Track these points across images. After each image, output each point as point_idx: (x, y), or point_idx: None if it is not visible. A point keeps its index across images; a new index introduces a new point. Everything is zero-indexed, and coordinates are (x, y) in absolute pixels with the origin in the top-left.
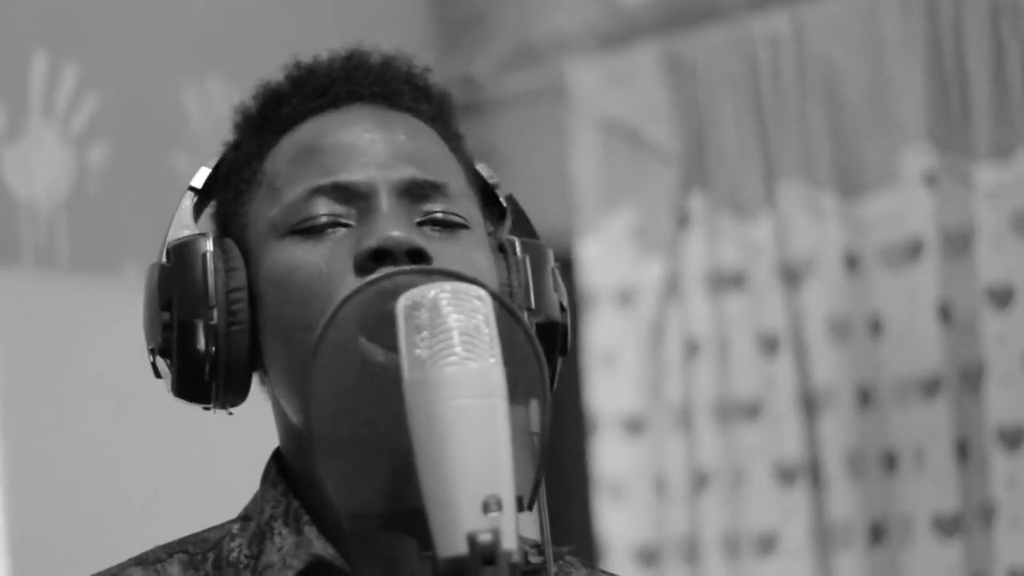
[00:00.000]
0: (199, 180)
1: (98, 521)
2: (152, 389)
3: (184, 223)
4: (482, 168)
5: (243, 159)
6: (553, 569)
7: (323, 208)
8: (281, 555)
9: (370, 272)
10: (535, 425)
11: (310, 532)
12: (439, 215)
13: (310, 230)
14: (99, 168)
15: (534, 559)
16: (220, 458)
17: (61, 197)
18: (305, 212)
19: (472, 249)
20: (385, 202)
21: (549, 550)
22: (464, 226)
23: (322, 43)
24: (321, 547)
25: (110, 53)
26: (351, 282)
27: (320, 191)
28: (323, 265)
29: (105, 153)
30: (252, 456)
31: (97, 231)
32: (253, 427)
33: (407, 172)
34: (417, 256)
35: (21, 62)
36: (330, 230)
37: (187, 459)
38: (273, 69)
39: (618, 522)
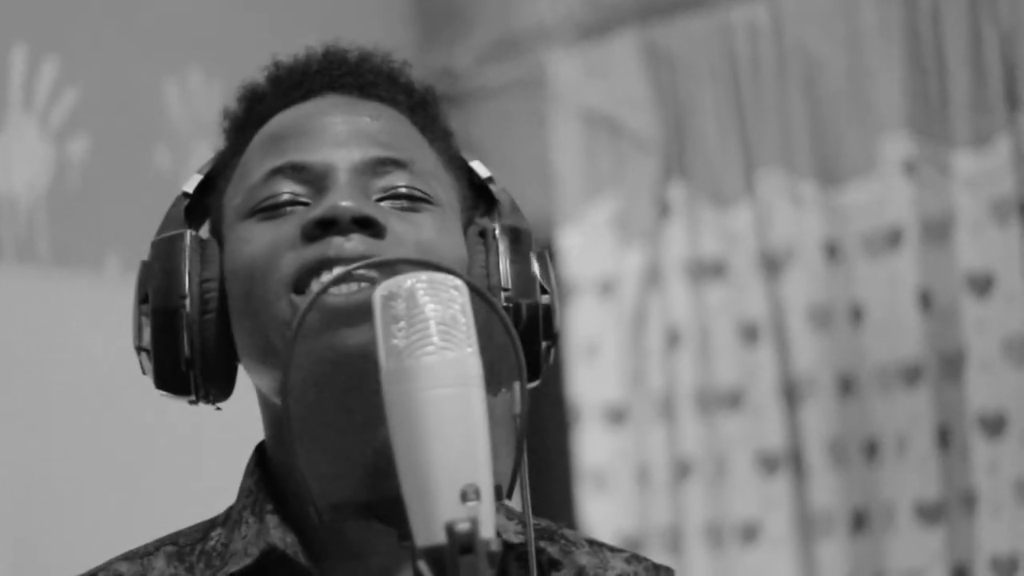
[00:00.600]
0: (191, 185)
1: (83, 518)
2: (136, 385)
3: (171, 224)
4: (476, 164)
5: (226, 158)
6: (552, 549)
7: (282, 187)
8: (244, 543)
9: (316, 239)
10: (516, 406)
11: (270, 520)
12: (402, 189)
13: (268, 209)
14: (79, 162)
15: (518, 538)
16: (207, 453)
17: (41, 191)
18: (264, 192)
19: (437, 224)
20: (342, 177)
21: (530, 530)
22: (428, 201)
23: (302, 35)
24: (278, 536)
25: (90, 47)
26: (296, 249)
27: (278, 171)
28: (270, 237)
29: (85, 147)
30: (241, 451)
31: (77, 225)
32: (241, 422)
33: (368, 151)
34: (366, 223)
35: (0, 56)
36: (288, 208)
37: (173, 455)
38: (253, 62)
39: (601, 512)
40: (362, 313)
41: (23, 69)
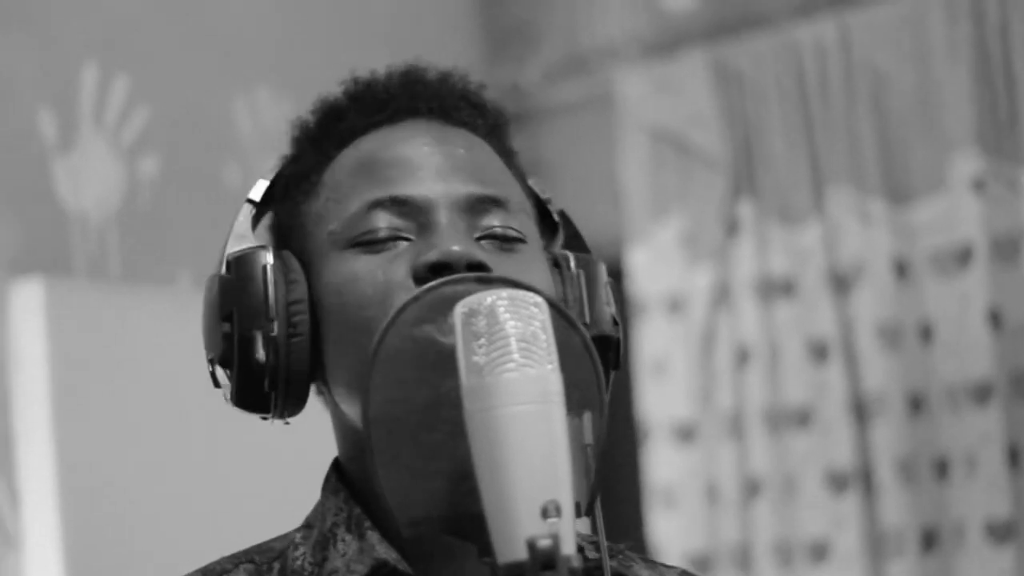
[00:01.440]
0: (257, 192)
1: (152, 531)
2: (205, 399)
3: (242, 234)
4: (534, 183)
5: (302, 172)
6: (611, 563)
7: (383, 222)
8: (345, 560)
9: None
10: (589, 436)
11: (372, 537)
12: (498, 230)
13: (370, 243)
14: (150, 179)
15: (592, 554)
16: (274, 467)
17: (112, 208)
18: (365, 225)
19: (530, 263)
20: (445, 217)
21: (605, 552)
22: (521, 240)
23: (370, 53)
24: (384, 551)
25: (160, 65)
26: (410, 290)
27: (380, 204)
28: (381, 275)
29: (155, 164)
30: (306, 465)
31: (148, 242)
32: (308, 436)
33: (467, 187)
34: (477, 270)
35: (72, 74)
36: (391, 243)
37: (241, 468)
38: (321, 79)
39: (670, 530)
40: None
41: (94, 88)
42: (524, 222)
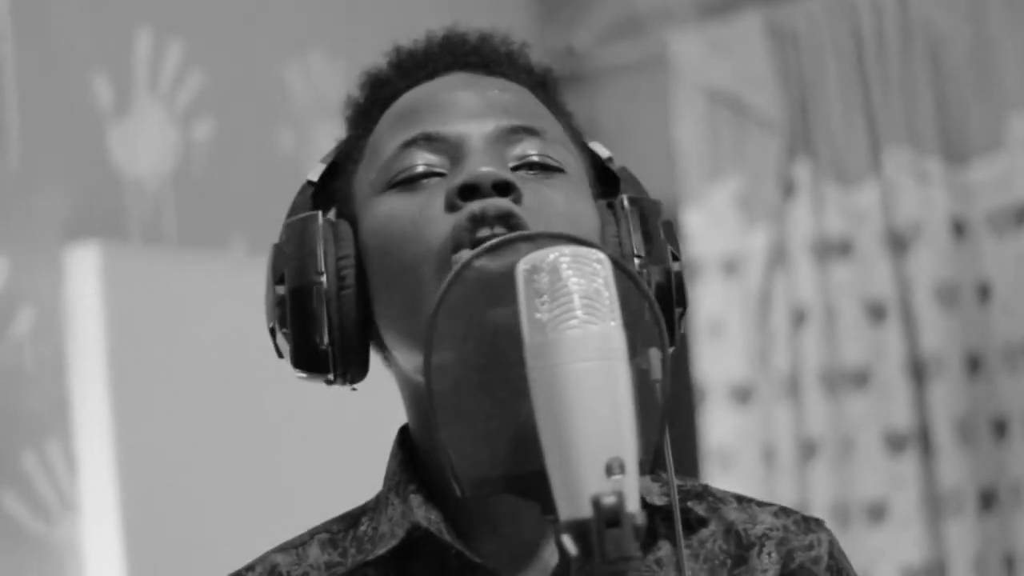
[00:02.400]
0: (315, 174)
1: (208, 495)
2: (260, 362)
3: (300, 209)
4: (595, 145)
5: (352, 144)
6: (700, 506)
7: (417, 159)
8: (391, 524)
9: (458, 207)
10: (657, 372)
11: (414, 500)
12: (534, 157)
13: (405, 181)
14: (204, 144)
15: (662, 500)
16: (333, 431)
17: (167, 173)
18: (399, 165)
19: (569, 191)
20: (477, 146)
21: (674, 490)
22: (560, 169)
23: (423, 16)
24: (422, 514)
25: (213, 30)
26: (442, 219)
27: (412, 143)
28: (416, 209)
29: (210, 129)
30: (367, 432)
31: (202, 206)
32: (369, 404)
33: (500, 121)
34: (505, 189)
35: (126, 40)
36: (425, 180)
37: (300, 432)
38: (374, 43)
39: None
40: (510, 289)
41: (148, 53)
42: (563, 154)
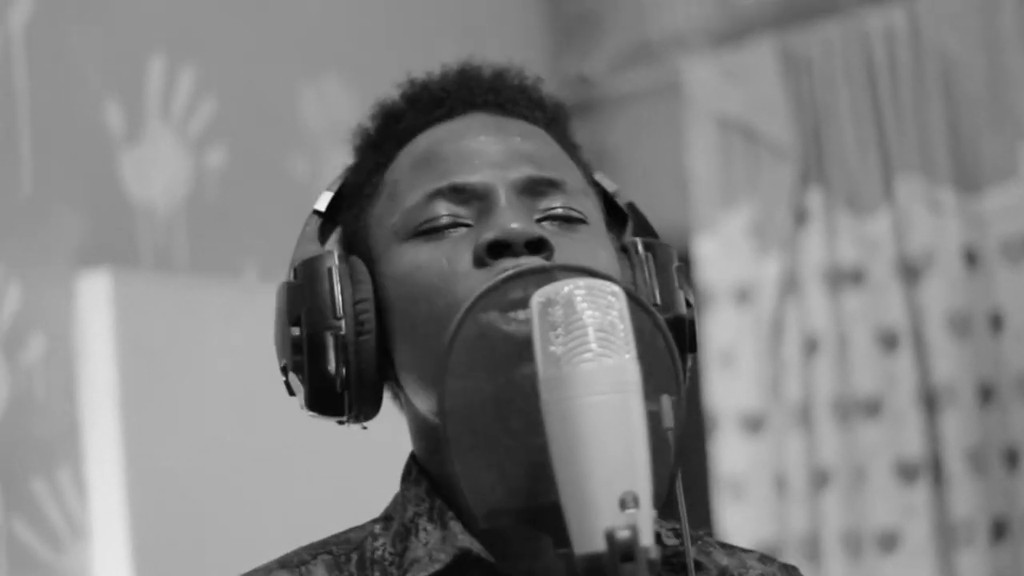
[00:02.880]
0: (322, 203)
1: (219, 522)
2: (271, 390)
3: (309, 242)
4: (601, 177)
5: (363, 177)
6: (692, 551)
7: (443, 210)
8: (427, 549)
9: (488, 265)
10: (669, 420)
11: (455, 526)
12: (558, 210)
13: (431, 231)
14: (216, 170)
15: (670, 541)
16: (341, 459)
17: (179, 200)
18: (425, 215)
19: (593, 243)
20: (503, 199)
21: (687, 535)
22: (583, 221)
23: (437, 43)
24: (468, 540)
25: (226, 56)
26: (472, 275)
27: (439, 193)
28: (444, 262)
29: (222, 156)
30: (374, 460)
31: (215, 233)
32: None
33: (524, 171)
34: (537, 246)
35: (138, 66)
36: (450, 230)
37: (308, 460)
38: (388, 69)
39: (739, 521)
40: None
41: (161, 80)
42: (585, 204)
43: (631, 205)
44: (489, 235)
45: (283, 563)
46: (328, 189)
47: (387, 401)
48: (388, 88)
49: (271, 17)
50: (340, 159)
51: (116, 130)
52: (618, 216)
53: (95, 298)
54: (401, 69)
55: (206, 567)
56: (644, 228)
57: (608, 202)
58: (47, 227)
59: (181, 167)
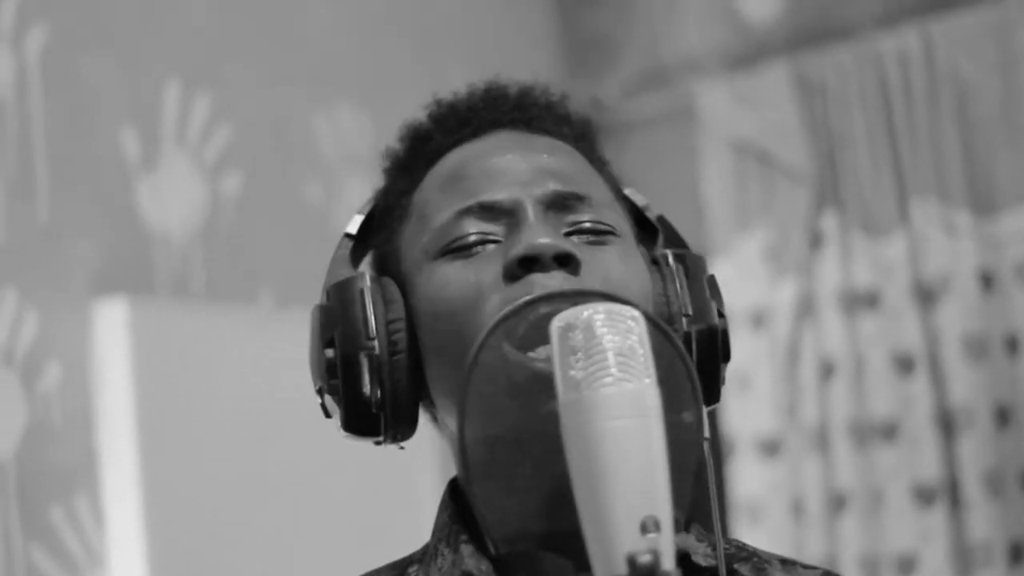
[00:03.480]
0: (354, 227)
1: (237, 551)
2: (287, 415)
3: (341, 266)
4: (631, 192)
5: (393, 199)
6: (745, 568)
7: (472, 227)
8: (440, 574)
9: (519, 279)
10: (694, 436)
11: (465, 550)
12: (587, 224)
13: (460, 249)
14: (232, 197)
15: (707, 561)
16: (357, 484)
17: (195, 227)
18: (454, 232)
19: (623, 255)
20: (532, 214)
21: (720, 547)
22: (612, 233)
23: (451, 68)
24: (473, 564)
25: (241, 82)
26: (501, 290)
27: (467, 212)
28: (473, 278)
29: (238, 182)
30: (392, 486)
31: (231, 260)
32: (395, 459)
33: (550, 186)
34: (565, 260)
35: (155, 92)
36: (479, 248)
37: (324, 486)
38: (402, 95)
39: (756, 544)
40: (541, 337)
41: (176, 106)
42: (613, 218)
43: (661, 218)
44: (518, 249)
45: None
46: (359, 212)
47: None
48: (401, 115)
49: (286, 44)
50: (355, 186)
51: (132, 157)
52: (649, 230)
53: (111, 325)
54: (415, 96)
55: None
56: (675, 240)
57: (639, 216)
58: (63, 254)
59: (197, 194)
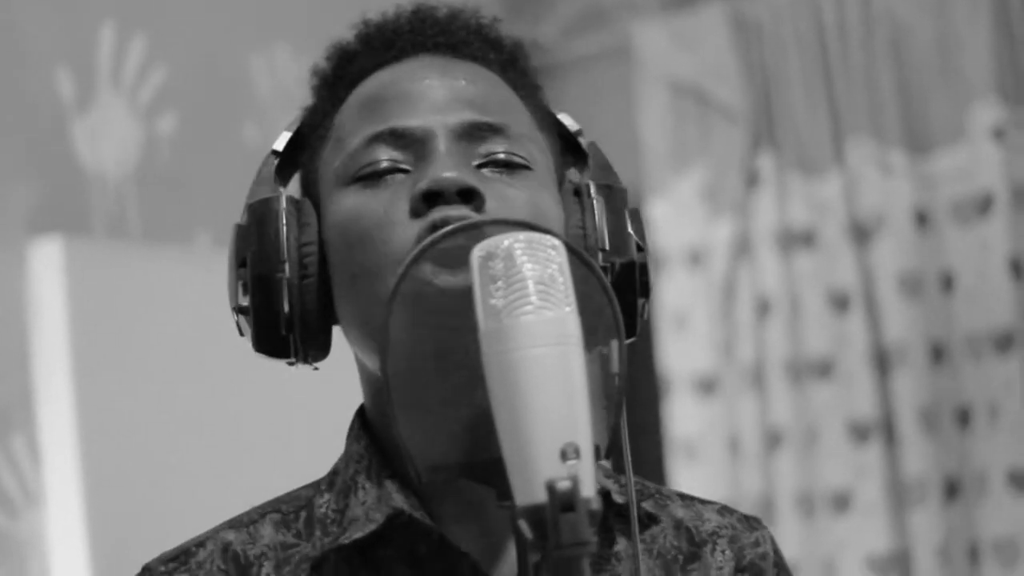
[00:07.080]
0: (280, 143)
1: (173, 487)
2: (223, 355)
3: (263, 185)
4: (564, 117)
5: (317, 119)
6: (647, 504)
7: (382, 155)
8: (364, 509)
9: (424, 214)
10: (615, 365)
11: (390, 486)
12: (500, 156)
13: (370, 176)
14: (168, 138)
15: (619, 498)
16: (297, 420)
17: (130, 167)
18: (364, 159)
19: (534, 190)
20: (442, 145)
21: (631, 486)
22: (526, 167)
23: (389, 10)
24: (401, 500)
25: (177, 24)
26: (407, 225)
27: (378, 138)
28: (381, 210)
29: (173, 124)
30: (331, 415)
31: (166, 201)
32: (330, 386)
33: (465, 115)
34: (468, 195)
35: (89, 34)
36: (389, 176)
37: (262, 422)
38: (339, 36)
39: (692, 483)
40: (461, 258)
41: (111, 48)
42: (530, 149)
43: (592, 144)
44: (423, 184)
45: (232, 523)
46: (287, 129)
47: (344, 353)
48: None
49: None
50: None
51: (67, 98)
52: (581, 157)
53: (47, 266)
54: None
55: (161, 532)
56: (604, 170)
57: (572, 143)
58: None
59: (132, 135)
